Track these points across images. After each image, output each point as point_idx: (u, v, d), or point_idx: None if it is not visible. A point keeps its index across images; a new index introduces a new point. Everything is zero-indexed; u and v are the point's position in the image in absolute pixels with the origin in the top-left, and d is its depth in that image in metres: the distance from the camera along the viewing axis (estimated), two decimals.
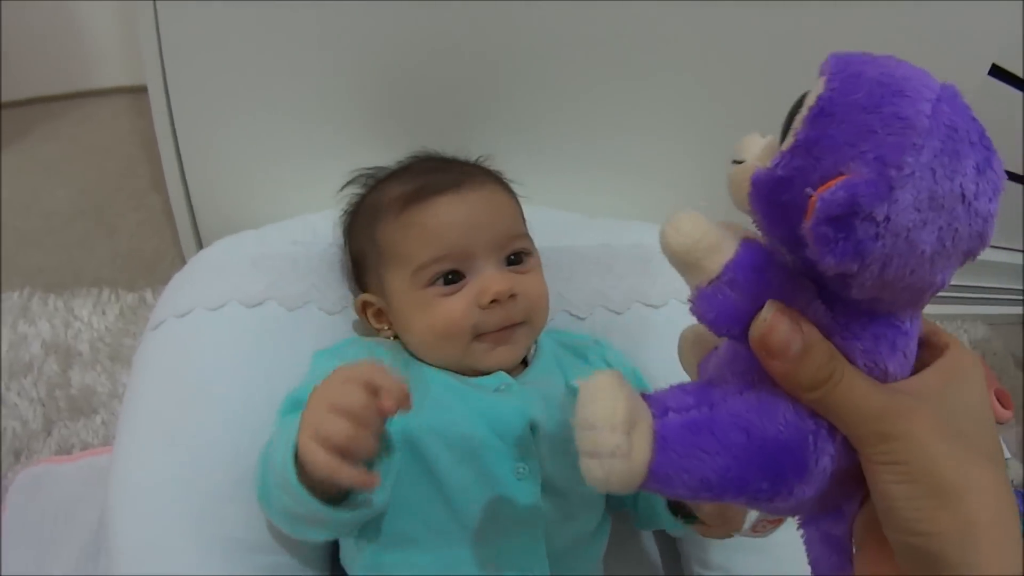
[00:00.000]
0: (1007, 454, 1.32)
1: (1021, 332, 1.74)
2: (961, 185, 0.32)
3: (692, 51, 0.93)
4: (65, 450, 1.00)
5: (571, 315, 0.91)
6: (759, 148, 0.38)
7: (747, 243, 0.38)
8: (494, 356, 0.73)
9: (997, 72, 1.10)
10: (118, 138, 1.53)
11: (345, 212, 0.86)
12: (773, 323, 0.36)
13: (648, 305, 0.90)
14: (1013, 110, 1.16)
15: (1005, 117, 1.17)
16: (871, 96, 0.33)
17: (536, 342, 0.81)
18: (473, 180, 0.76)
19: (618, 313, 0.91)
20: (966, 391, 0.37)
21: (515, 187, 0.84)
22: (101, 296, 1.15)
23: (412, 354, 0.77)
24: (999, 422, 1.42)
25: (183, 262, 0.89)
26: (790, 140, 0.35)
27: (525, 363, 0.79)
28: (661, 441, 0.35)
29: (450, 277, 0.72)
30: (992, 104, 1.15)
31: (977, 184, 0.33)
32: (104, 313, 1.13)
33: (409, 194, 0.74)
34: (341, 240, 0.87)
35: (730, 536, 0.65)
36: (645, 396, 0.38)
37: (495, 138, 0.92)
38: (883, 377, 0.37)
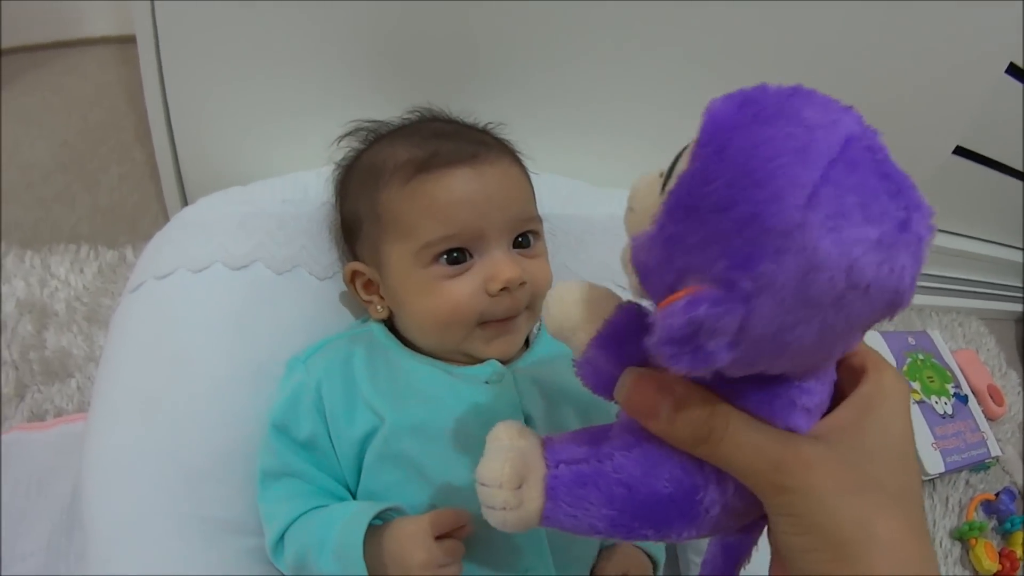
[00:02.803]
0: (996, 451, 1.30)
1: (1014, 329, 1.73)
2: (851, 274, 0.28)
3: (705, 24, 0.88)
4: (38, 416, 0.95)
5: None
6: (651, 198, 0.35)
7: (618, 315, 0.39)
8: (494, 347, 0.68)
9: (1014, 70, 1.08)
10: (103, 89, 1.47)
11: (340, 167, 0.79)
12: (632, 388, 0.37)
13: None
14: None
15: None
16: (728, 189, 0.29)
17: (541, 319, 0.75)
18: (489, 153, 0.70)
19: (626, 289, 0.85)
20: (884, 422, 0.36)
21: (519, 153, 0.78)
22: (79, 253, 1.09)
23: (398, 337, 0.73)
24: (990, 419, 1.41)
25: (166, 218, 0.84)
26: (651, 223, 0.33)
27: (527, 342, 0.75)
28: (551, 492, 0.38)
29: (455, 255, 0.66)
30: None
31: (880, 263, 0.29)
32: (82, 271, 1.07)
33: (420, 161, 0.67)
34: (332, 197, 0.80)
35: None
36: (546, 443, 0.40)
37: (498, 97, 0.87)
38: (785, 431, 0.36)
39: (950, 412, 1.35)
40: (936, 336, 1.49)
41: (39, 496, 0.86)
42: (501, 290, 0.65)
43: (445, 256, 0.66)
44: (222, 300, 0.73)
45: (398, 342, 0.72)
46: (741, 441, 0.34)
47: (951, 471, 1.27)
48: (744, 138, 0.30)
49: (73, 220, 1.19)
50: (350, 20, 0.83)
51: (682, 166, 0.32)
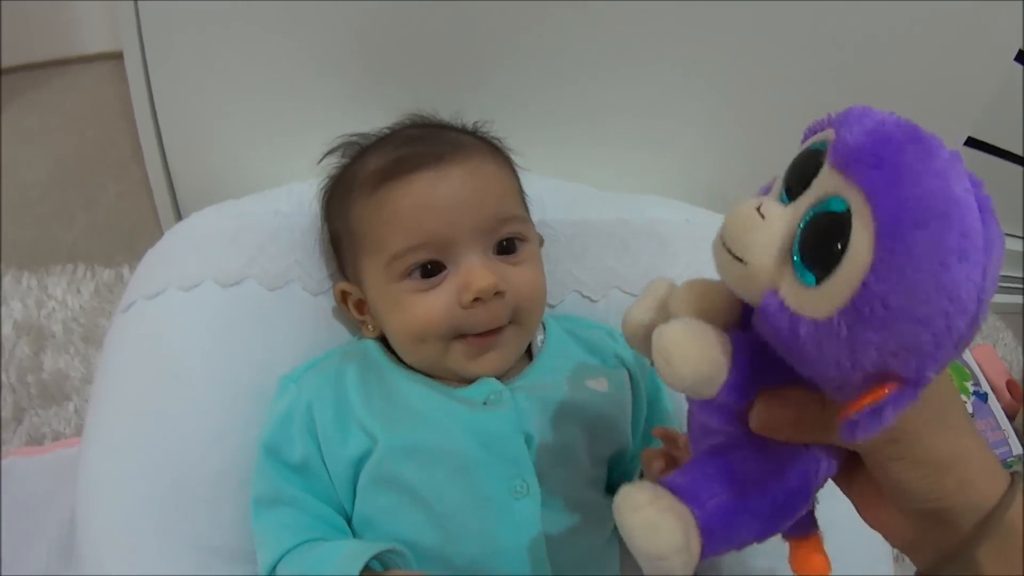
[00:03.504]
0: (1018, 449, 1.30)
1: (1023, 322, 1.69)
2: (976, 321, 0.32)
3: (709, 24, 0.86)
4: (36, 440, 0.93)
5: (583, 296, 0.83)
6: (767, 251, 0.35)
7: (739, 354, 0.38)
8: (479, 364, 0.64)
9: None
10: (101, 106, 1.46)
11: (324, 185, 0.75)
12: (764, 416, 0.40)
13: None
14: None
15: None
16: (928, 304, 0.31)
17: (544, 329, 0.72)
18: (458, 152, 0.65)
19: (635, 296, 0.82)
20: None
21: (517, 159, 0.74)
22: (76, 273, 1.08)
23: (396, 356, 0.69)
24: (1010, 415, 1.39)
25: (162, 235, 0.82)
26: (829, 306, 0.32)
27: (530, 354, 0.71)
28: (707, 533, 0.39)
29: (428, 268, 0.63)
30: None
31: (983, 304, 0.32)
32: (79, 291, 1.06)
33: (383, 170, 0.64)
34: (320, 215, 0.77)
35: None
36: (674, 488, 0.40)
37: (496, 104, 0.83)
38: None
39: (971, 411, 1.32)
40: None
41: (37, 521, 0.84)
42: (474, 301, 0.61)
43: (418, 270, 0.63)
44: (213, 319, 0.71)
45: (392, 360, 0.69)
46: None
47: None
48: (929, 246, 0.30)
49: (71, 239, 1.18)
50: (342, 26, 0.81)
51: (863, 259, 0.31)
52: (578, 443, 0.64)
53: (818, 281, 0.33)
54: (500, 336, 0.65)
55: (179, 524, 0.64)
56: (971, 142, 1.19)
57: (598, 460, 0.66)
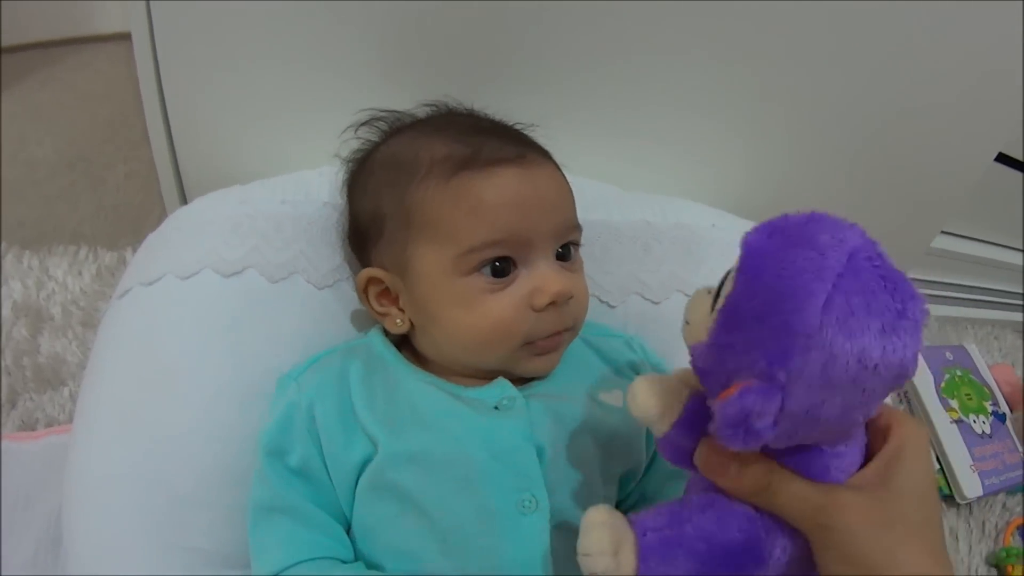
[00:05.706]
0: None
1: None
2: (861, 358, 0.37)
3: (744, 27, 0.82)
4: (29, 425, 0.91)
5: (601, 301, 0.79)
6: (703, 312, 0.45)
7: (692, 401, 0.48)
8: (538, 363, 0.62)
9: None
10: (114, 86, 1.45)
11: (353, 160, 0.71)
12: (708, 453, 0.47)
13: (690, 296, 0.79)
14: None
15: None
16: (764, 305, 0.39)
17: None
18: (537, 153, 0.64)
19: (655, 303, 0.80)
20: (909, 468, 0.43)
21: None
22: (79, 254, 1.05)
23: (403, 350, 0.66)
24: None
25: None
26: (704, 335, 0.43)
27: None
28: (643, 555, 0.45)
29: (498, 266, 0.60)
30: None
31: (884, 346, 0.37)
32: (80, 273, 1.03)
33: (464, 157, 0.61)
34: (340, 195, 0.73)
35: None
36: (631, 519, 0.47)
37: (521, 94, 0.79)
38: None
39: (988, 432, 1.28)
40: (973, 350, 1.42)
41: (25, 511, 0.82)
42: (548, 304, 0.59)
43: (488, 267, 0.59)
44: (211, 310, 0.68)
45: (400, 356, 0.65)
46: (792, 492, 0.43)
47: (989, 495, 1.20)
48: (773, 263, 0.39)
49: (76, 220, 1.16)
50: (357, 12, 0.77)
51: (728, 288, 0.41)
52: (593, 459, 0.61)
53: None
54: (561, 338, 0.63)
55: (168, 525, 0.61)
56: (1002, 158, 1.16)
57: (610, 478, 0.63)
